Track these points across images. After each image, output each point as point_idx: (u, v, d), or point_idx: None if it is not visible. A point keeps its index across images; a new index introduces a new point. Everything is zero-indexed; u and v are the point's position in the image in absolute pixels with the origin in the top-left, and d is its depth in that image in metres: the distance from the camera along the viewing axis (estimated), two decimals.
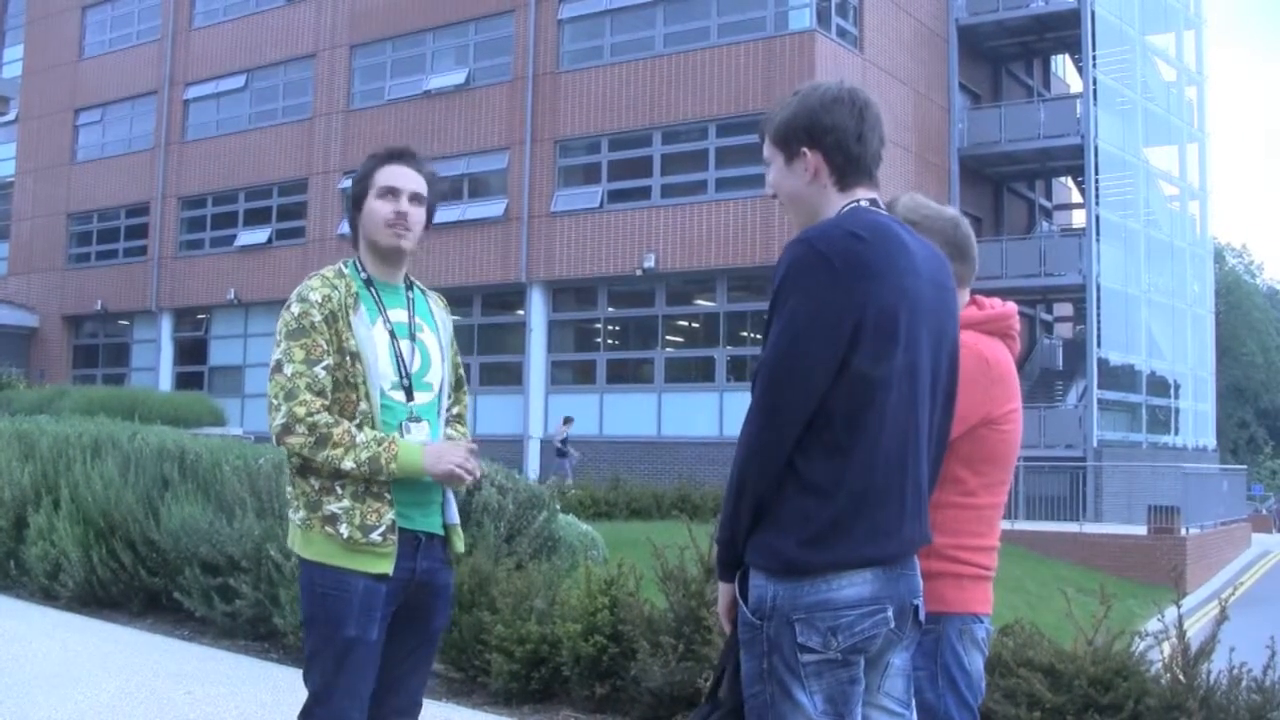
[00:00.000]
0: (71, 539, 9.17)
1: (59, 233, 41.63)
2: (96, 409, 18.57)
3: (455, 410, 3.79)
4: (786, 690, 2.65)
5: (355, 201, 3.63)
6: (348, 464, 3.34)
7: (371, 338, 3.49)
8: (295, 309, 3.45)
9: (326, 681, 3.40)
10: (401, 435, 3.48)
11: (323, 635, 3.41)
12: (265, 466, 8.48)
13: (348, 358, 3.44)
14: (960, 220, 3.57)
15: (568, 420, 27.47)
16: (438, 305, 3.79)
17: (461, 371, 3.84)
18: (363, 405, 3.45)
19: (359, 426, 3.41)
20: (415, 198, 3.62)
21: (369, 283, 3.59)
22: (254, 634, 8.04)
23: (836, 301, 2.62)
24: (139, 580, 8.90)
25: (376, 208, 3.59)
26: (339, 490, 3.40)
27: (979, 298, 3.56)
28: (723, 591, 2.84)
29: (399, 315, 3.61)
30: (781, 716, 2.65)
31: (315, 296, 3.46)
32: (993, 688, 5.20)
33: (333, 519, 3.40)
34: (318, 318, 3.43)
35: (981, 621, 3.36)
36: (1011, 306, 3.60)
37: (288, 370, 3.38)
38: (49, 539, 9.41)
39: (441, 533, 3.61)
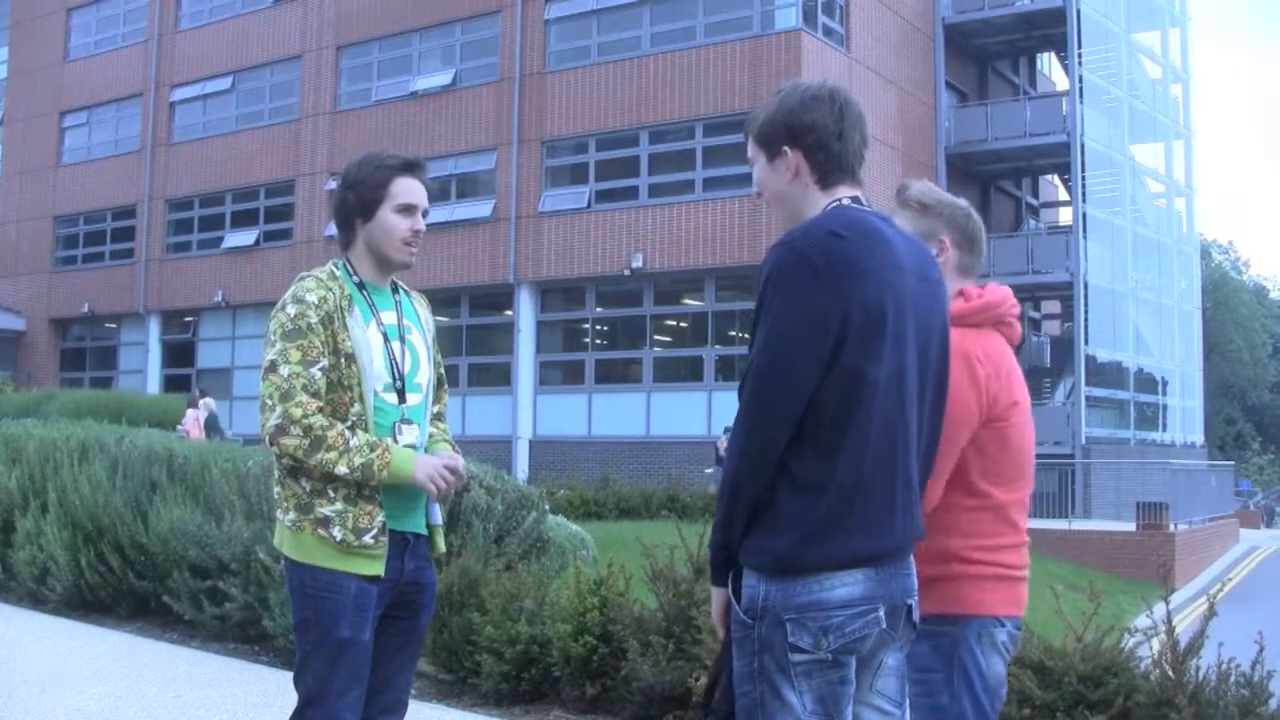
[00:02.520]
0: (59, 543, 9.14)
1: (45, 235, 41.48)
2: (84, 412, 18.49)
3: (436, 408, 3.79)
4: (776, 690, 2.65)
5: (364, 208, 3.56)
6: (341, 469, 3.34)
7: (367, 340, 3.49)
8: (291, 310, 3.43)
9: (320, 683, 3.40)
10: (395, 436, 3.49)
11: (316, 637, 3.42)
12: (254, 469, 8.46)
13: (343, 359, 3.44)
14: (972, 210, 3.53)
15: (729, 430, 27.29)
16: (421, 305, 3.80)
17: (442, 370, 3.84)
18: (356, 407, 3.45)
19: (352, 429, 3.40)
20: (424, 213, 3.64)
21: (361, 285, 3.59)
22: (243, 637, 8.02)
23: (821, 301, 2.62)
24: (127, 584, 8.88)
25: (394, 223, 3.56)
26: (331, 493, 3.40)
27: (966, 288, 3.46)
28: (716, 596, 2.84)
29: (389, 317, 3.61)
30: (771, 716, 2.66)
31: (312, 298, 3.44)
32: None
33: (325, 522, 3.40)
34: (314, 319, 3.41)
35: (1004, 625, 3.28)
36: (1001, 292, 3.48)
37: (284, 371, 3.36)
38: (37, 543, 9.39)
39: (425, 533, 3.64)
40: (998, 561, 3.28)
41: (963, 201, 3.57)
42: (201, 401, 24.27)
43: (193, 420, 22.74)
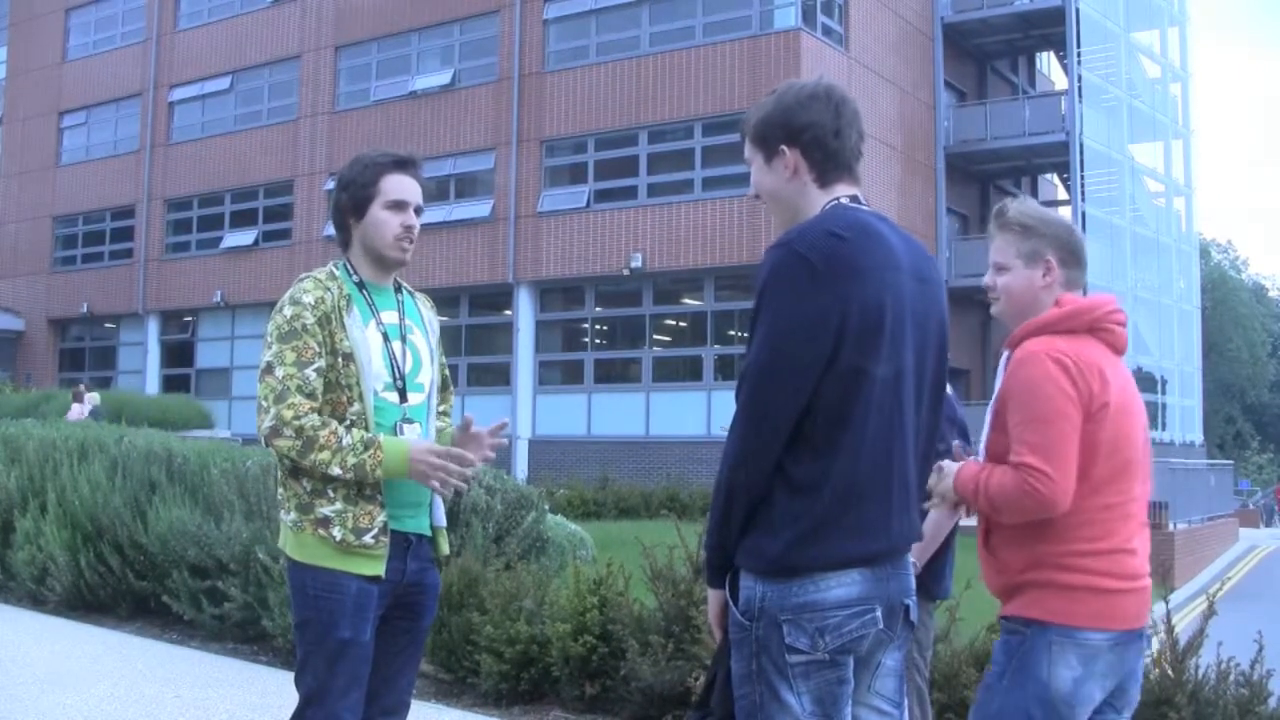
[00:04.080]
0: (59, 543, 9.14)
1: (44, 236, 41.47)
2: None
3: (441, 408, 3.79)
4: (774, 691, 2.65)
5: (356, 207, 3.57)
6: (335, 469, 3.33)
7: (365, 339, 3.48)
8: (288, 311, 3.43)
9: (320, 683, 3.40)
10: (396, 436, 3.48)
11: (316, 637, 3.41)
12: (253, 469, 8.46)
13: (340, 359, 3.43)
14: (1074, 227, 3.52)
15: None
16: (425, 306, 3.80)
17: (447, 372, 3.85)
18: (355, 406, 3.44)
19: (350, 428, 3.40)
20: (418, 210, 3.63)
21: (361, 285, 3.59)
22: (242, 636, 8.03)
23: (820, 302, 2.62)
24: (127, 584, 8.88)
25: (384, 220, 3.56)
26: (331, 493, 3.40)
27: (1064, 296, 3.41)
28: (713, 598, 2.83)
29: (390, 317, 3.61)
30: (770, 717, 2.65)
31: (308, 299, 3.44)
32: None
33: (325, 522, 3.40)
34: (310, 320, 3.41)
35: (1089, 638, 3.16)
36: (1098, 298, 3.41)
37: (279, 373, 3.37)
38: (36, 543, 9.38)
39: (429, 534, 3.63)
40: (1090, 569, 3.18)
41: (1063, 218, 3.56)
42: (86, 396, 24.14)
43: (76, 414, 22.63)
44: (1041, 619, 3.18)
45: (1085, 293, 3.50)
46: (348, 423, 3.42)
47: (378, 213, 3.56)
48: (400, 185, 3.59)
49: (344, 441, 3.34)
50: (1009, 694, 3.19)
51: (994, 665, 3.29)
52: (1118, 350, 3.39)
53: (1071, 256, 3.46)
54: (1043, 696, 3.16)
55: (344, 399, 3.44)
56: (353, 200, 3.58)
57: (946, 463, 3.37)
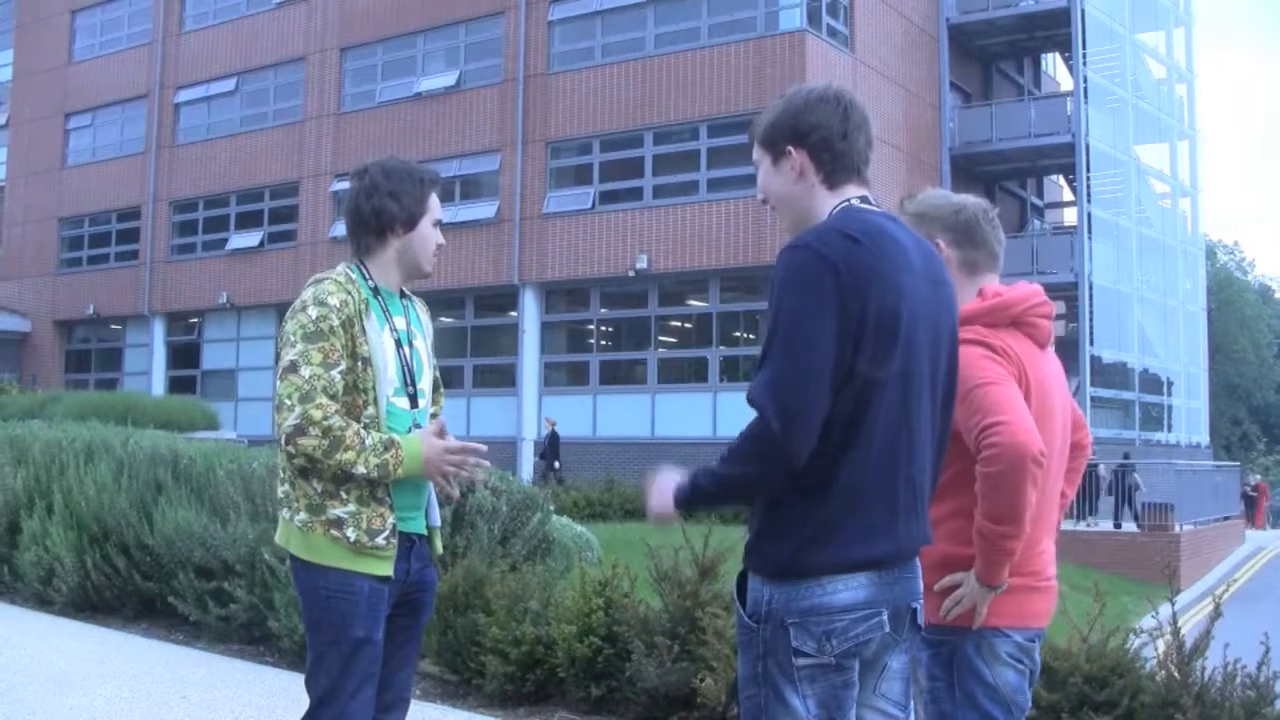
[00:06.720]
0: (65, 544, 9.15)
1: (50, 237, 41.54)
2: (89, 414, 18.50)
3: (433, 410, 3.84)
4: (779, 693, 2.65)
5: (409, 220, 3.65)
6: (359, 469, 3.38)
7: (382, 345, 3.54)
8: (313, 312, 3.45)
9: (333, 683, 3.45)
10: None
11: (330, 638, 3.46)
12: (259, 470, 8.47)
13: (359, 363, 3.48)
14: (964, 206, 3.47)
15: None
16: (424, 311, 3.87)
17: (438, 374, 3.91)
18: (370, 410, 3.50)
19: (366, 429, 3.44)
20: None
21: (375, 291, 3.63)
22: (248, 638, 8.03)
23: (838, 304, 2.60)
24: (133, 585, 8.89)
25: (431, 236, 3.72)
26: (344, 495, 3.45)
27: (985, 287, 3.39)
28: (665, 502, 2.81)
29: (400, 323, 3.67)
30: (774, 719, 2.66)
31: (334, 301, 3.48)
32: None
33: (338, 523, 3.44)
34: (336, 322, 3.45)
35: (1008, 635, 3.23)
36: (1021, 290, 3.38)
37: (305, 372, 3.38)
38: (42, 544, 9.40)
39: (425, 534, 3.71)
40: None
41: (959, 198, 3.52)
42: None
43: None
44: (958, 623, 3.20)
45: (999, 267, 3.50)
46: (363, 425, 3.46)
47: (427, 229, 3.70)
48: (437, 203, 3.76)
49: (367, 442, 3.39)
50: (967, 710, 3.23)
51: (931, 679, 3.29)
52: (1040, 344, 3.38)
53: (963, 237, 3.42)
54: (995, 698, 3.21)
55: (360, 402, 3.49)
56: (406, 213, 3.65)
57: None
